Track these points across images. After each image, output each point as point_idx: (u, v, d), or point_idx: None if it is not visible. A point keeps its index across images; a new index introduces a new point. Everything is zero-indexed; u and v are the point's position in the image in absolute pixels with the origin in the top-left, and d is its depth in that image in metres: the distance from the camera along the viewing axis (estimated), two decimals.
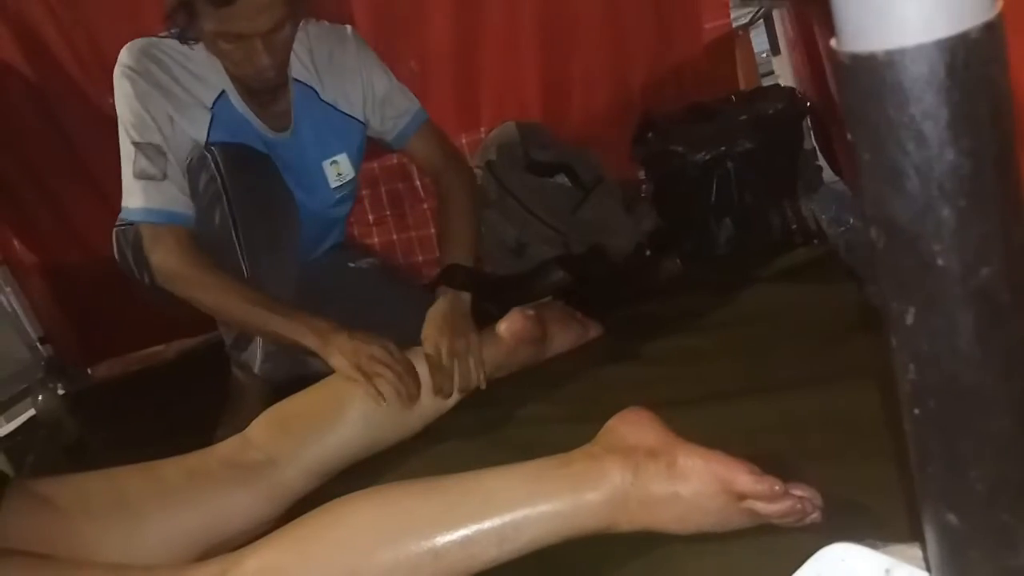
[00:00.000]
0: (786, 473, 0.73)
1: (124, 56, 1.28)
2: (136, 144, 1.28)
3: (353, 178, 1.49)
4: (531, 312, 1.34)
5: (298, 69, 1.37)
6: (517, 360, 1.33)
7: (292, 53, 1.33)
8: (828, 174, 1.81)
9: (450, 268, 1.36)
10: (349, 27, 1.45)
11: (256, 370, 1.41)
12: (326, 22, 1.43)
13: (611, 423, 0.84)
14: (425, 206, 2.06)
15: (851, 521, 0.73)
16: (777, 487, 0.72)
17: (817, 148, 1.82)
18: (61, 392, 2.00)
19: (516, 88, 1.99)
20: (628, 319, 1.50)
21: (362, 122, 1.44)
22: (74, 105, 1.96)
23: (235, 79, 1.31)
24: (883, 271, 0.35)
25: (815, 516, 0.74)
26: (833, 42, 0.34)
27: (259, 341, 1.39)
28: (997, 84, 0.32)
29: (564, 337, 1.40)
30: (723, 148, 1.68)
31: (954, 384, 0.35)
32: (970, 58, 0.31)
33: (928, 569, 0.46)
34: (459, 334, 1.25)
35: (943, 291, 0.33)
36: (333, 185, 1.46)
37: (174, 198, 1.29)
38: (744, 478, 0.72)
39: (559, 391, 1.26)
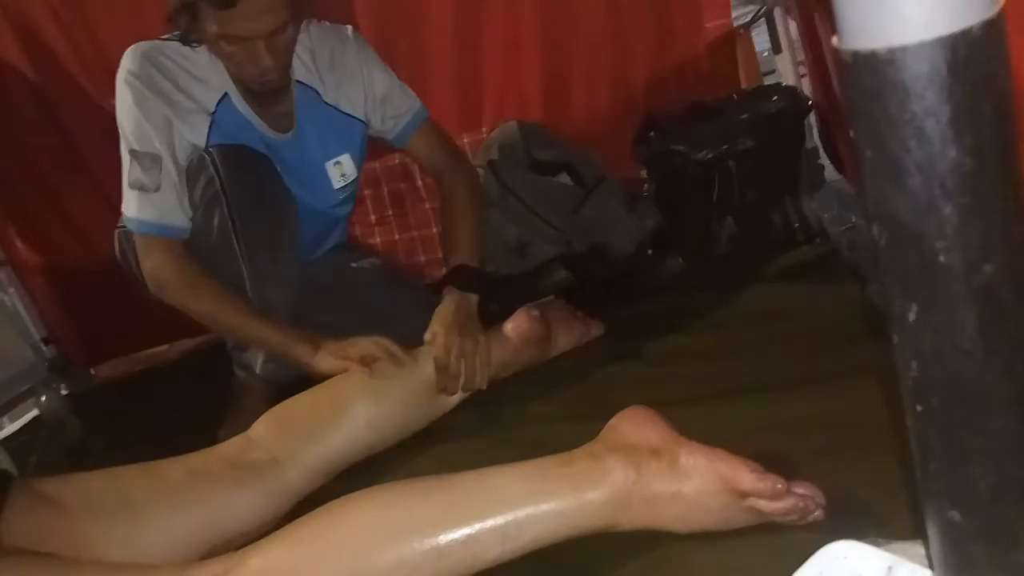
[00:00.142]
0: (788, 471, 0.74)
1: (127, 60, 1.28)
2: (132, 152, 1.28)
3: (356, 178, 1.49)
4: (536, 313, 1.34)
5: (300, 71, 1.37)
6: (521, 360, 1.33)
7: (295, 55, 1.33)
8: (830, 173, 1.81)
9: (457, 269, 1.36)
10: (350, 27, 1.45)
11: (258, 371, 1.42)
12: (327, 23, 1.43)
13: (613, 422, 0.84)
14: (427, 206, 2.06)
15: (853, 519, 0.73)
16: (779, 485, 0.72)
17: (820, 146, 1.82)
18: (64, 392, 2.01)
19: (517, 87, 1.99)
20: (630, 318, 1.50)
21: (363, 122, 1.44)
22: (76, 105, 1.96)
23: (237, 81, 1.31)
24: (885, 269, 0.35)
25: (817, 514, 0.74)
26: (835, 40, 0.34)
27: None
28: (999, 81, 0.32)
29: (566, 336, 1.40)
30: (725, 147, 1.68)
31: (956, 381, 0.35)
32: (972, 55, 0.31)
33: (930, 566, 0.46)
34: (467, 335, 1.25)
35: (945, 288, 0.34)
36: (337, 186, 1.46)
37: (167, 210, 1.29)
38: (747, 476, 0.72)
39: (561, 390, 1.26)
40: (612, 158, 1.86)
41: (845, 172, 1.68)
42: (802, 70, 1.90)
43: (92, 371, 2.20)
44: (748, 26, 2.00)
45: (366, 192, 2.04)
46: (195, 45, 1.29)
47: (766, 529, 0.74)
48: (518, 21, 1.92)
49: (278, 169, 1.36)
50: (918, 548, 0.53)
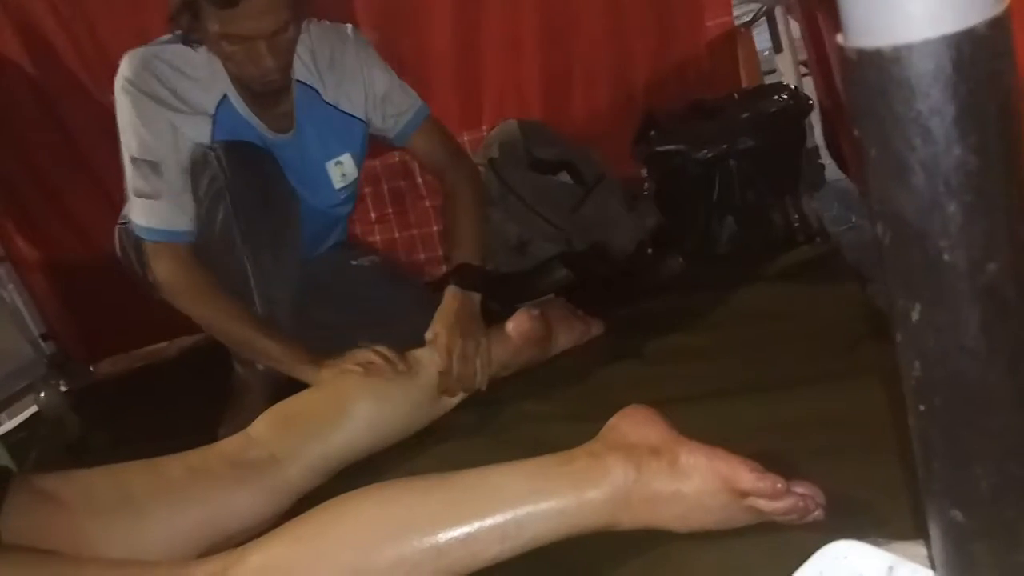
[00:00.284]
0: (788, 471, 0.74)
1: (124, 68, 1.28)
2: (132, 160, 1.28)
3: (357, 178, 1.49)
4: (537, 312, 1.34)
5: (300, 70, 1.37)
6: (522, 360, 1.33)
7: (296, 55, 1.33)
8: (830, 172, 1.81)
9: (460, 267, 1.36)
10: (350, 26, 1.45)
11: (260, 366, 1.41)
12: (327, 22, 1.42)
13: (613, 421, 0.84)
14: (427, 203, 2.06)
15: (853, 519, 0.73)
16: (779, 485, 0.72)
17: (822, 146, 1.82)
18: (63, 389, 2.01)
19: (518, 86, 1.98)
20: (630, 317, 1.50)
21: (364, 121, 1.44)
22: (76, 101, 1.96)
23: (237, 82, 1.31)
24: (889, 267, 0.35)
25: (817, 514, 0.74)
26: (839, 38, 0.34)
27: None
28: (1004, 79, 0.32)
29: (566, 335, 1.40)
30: (725, 146, 1.68)
31: (960, 380, 0.35)
32: (977, 54, 0.31)
33: (932, 567, 0.46)
34: (469, 336, 1.25)
35: (949, 287, 0.33)
36: (337, 185, 1.46)
37: (170, 216, 1.30)
38: (746, 476, 0.72)
39: (561, 389, 1.26)
40: (612, 157, 1.85)
41: (849, 172, 1.68)
42: (803, 69, 1.90)
43: (91, 367, 2.19)
44: (749, 25, 2.00)
45: (366, 190, 2.03)
46: (196, 45, 1.29)
47: (766, 528, 0.74)
48: (518, 19, 1.92)
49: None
50: (919, 548, 0.52)
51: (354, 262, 1.61)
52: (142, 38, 1.35)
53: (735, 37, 1.98)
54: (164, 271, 1.30)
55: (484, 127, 1.98)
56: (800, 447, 0.87)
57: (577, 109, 2.00)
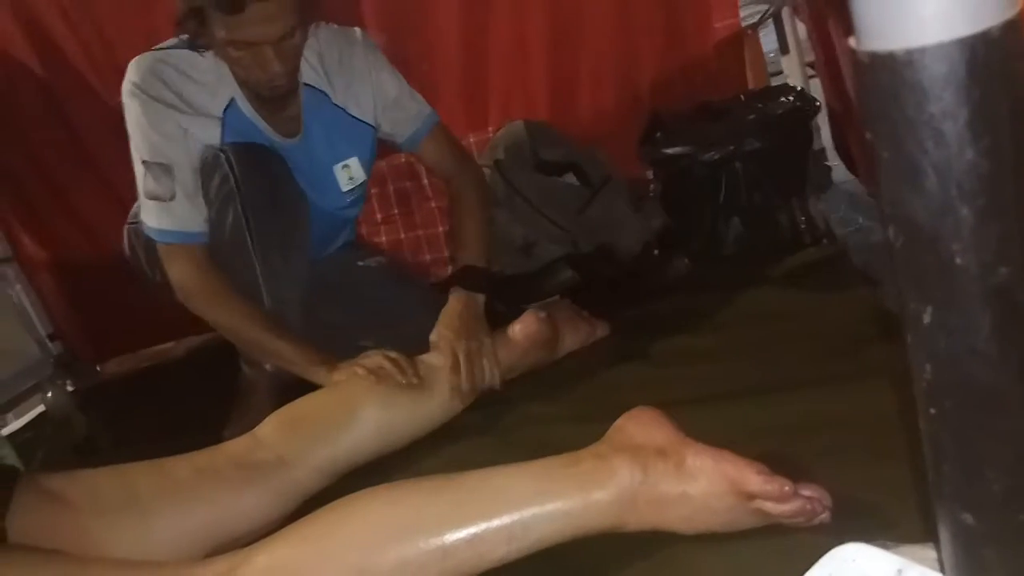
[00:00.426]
0: (795, 473, 0.73)
1: (131, 73, 1.29)
2: (145, 163, 1.29)
3: (364, 181, 1.49)
4: (544, 314, 1.34)
5: (308, 73, 1.37)
6: (529, 362, 1.34)
7: (303, 59, 1.33)
8: (837, 174, 1.81)
9: (464, 269, 1.37)
10: (358, 30, 1.45)
11: (268, 367, 1.42)
12: (335, 25, 1.42)
13: (620, 422, 0.84)
14: (433, 204, 2.06)
15: (861, 521, 0.73)
16: (786, 487, 0.71)
17: (829, 148, 1.81)
18: (70, 388, 2.01)
19: (524, 87, 1.99)
20: (636, 319, 1.50)
21: (373, 126, 1.44)
22: (84, 101, 1.96)
23: (244, 86, 1.31)
24: (901, 270, 0.35)
25: (824, 516, 0.73)
26: (852, 41, 0.34)
27: None
28: (1017, 83, 0.32)
29: (572, 337, 1.40)
30: (732, 147, 1.68)
31: (971, 384, 0.35)
32: (990, 57, 0.31)
33: (941, 570, 0.46)
34: (473, 336, 1.26)
35: (961, 290, 0.33)
36: (344, 188, 1.46)
37: (184, 217, 1.30)
38: (753, 478, 0.72)
39: (567, 390, 1.26)
40: (619, 158, 1.85)
41: (858, 173, 1.68)
42: (810, 71, 1.90)
43: (98, 367, 2.20)
44: (756, 26, 1.99)
45: (372, 191, 2.03)
46: (202, 50, 1.29)
47: (772, 531, 0.74)
48: (525, 20, 1.92)
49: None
50: (928, 551, 0.52)
51: (360, 263, 1.61)
52: (150, 39, 1.35)
53: (742, 39, 1.98)
54: (178, 273, 1.31)
55: (490, 128, 1.98)
56: (807, 449, 0.87)
57: (584, 110, 2.00)
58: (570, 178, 1.77)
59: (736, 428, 0.95)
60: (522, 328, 1.32)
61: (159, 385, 1.97)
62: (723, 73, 1.97)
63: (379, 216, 2.09)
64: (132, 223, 1.43)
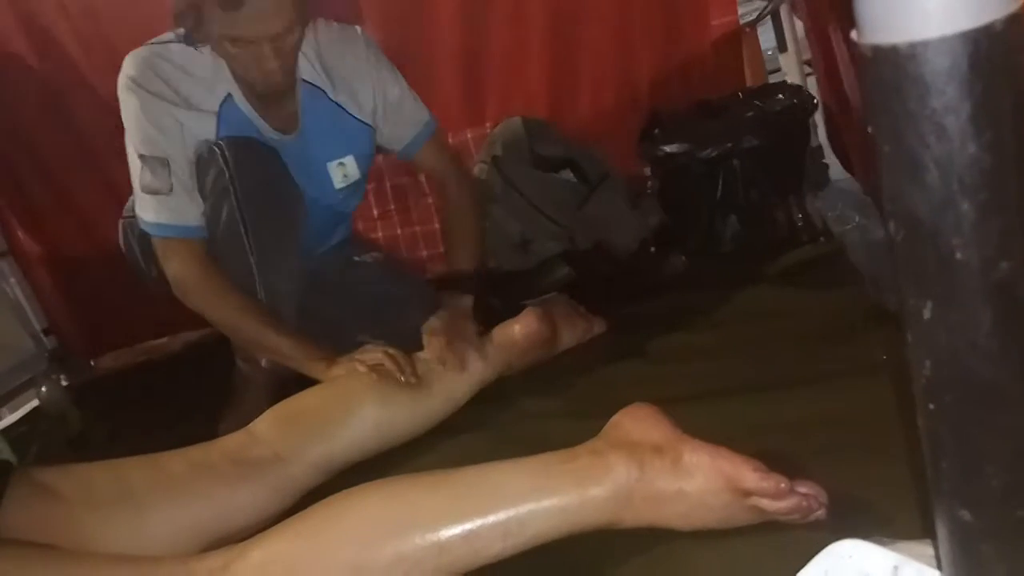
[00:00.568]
0: (791, 470, 0.73)
1: (127, 67, 1.28)
2: (141, 157, 1.28)
3: (358, 179, 1.49)
4: (543, 314, 1.34)
5: (306, 70, 1.37)
6: (527, 360, 1.34)
7: (300, 54, 1.32)
8: (834, 171, 1.81)
9: (454, 273, 1.39)
10: (359, 28, 1.45)
11: (263, 362, 1.41)
12: (335, 23, 1.42)
13: (616, 418, 0.84)
14: (429, 200, 2.06)
15: (856, 518, 0.73)
16: (783, 484, 0.71)
17: (827, 144, 1.82)
18: (65, 383, 2.00)
19: (522, 83, 1.98)
20: (632, 315, 1.50)
21: (371, 126, 1.44)
22: (81, 95, 1.96)
23: (241, 82, 1.30)
24: (901, 265, 0.35)
25: (820, 513, 0.73)
26: (854, 34, 0.33)
27: None
28: (1020, 77, 0.32)
29: (570, 333, 1.40)
30: (729, 145, 1.68)
31: (971, 379, 0.35)
32: (993, 51, 0.31)
33: (938, 566, 0.46)
34: (458, 329, 1.27)
35: (962, 286, 0.33)
36: (338, 186, 1.45)
37: (182, 211, 1.29)
38: (750, 475, 0.72)
39: (564, 387, 1.26)
40: (616, 155, 1.85)
41: (852, 170, 1.68)
42: (807, 68, 1.90)
43: (92, 362, 2.19)
44: (754, 24, 1.99)
45: (369, 186, 2.03)
46: (199, 45, 1.28)
47: (769, 528, 0.74)
48: (524, 17, 1.92)
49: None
50: (924, 548, 0.52)
51: (357, 258, 1.61)
52: (148, 35, 1.35)
53: (740, 36, 1.98)
54: (176, 268, 1.30)
55: (488, 124, 1.98)
56: (803, 446, 0.87)
57: (582, 107, 2.00)
58: (567, 175, 1.77)
59: (732, 425, 0.95)
60: (522, 327, 1.32)
61: (154, 380, 1.97)
62: (721, 71, 1.97)
63: (376, 212, 2.09)
64: (127, 217, 1.43)
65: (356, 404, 1.13)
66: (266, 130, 1.36)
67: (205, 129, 1.30)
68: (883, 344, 1.05)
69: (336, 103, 1.39)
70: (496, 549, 0.76)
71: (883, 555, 0.52)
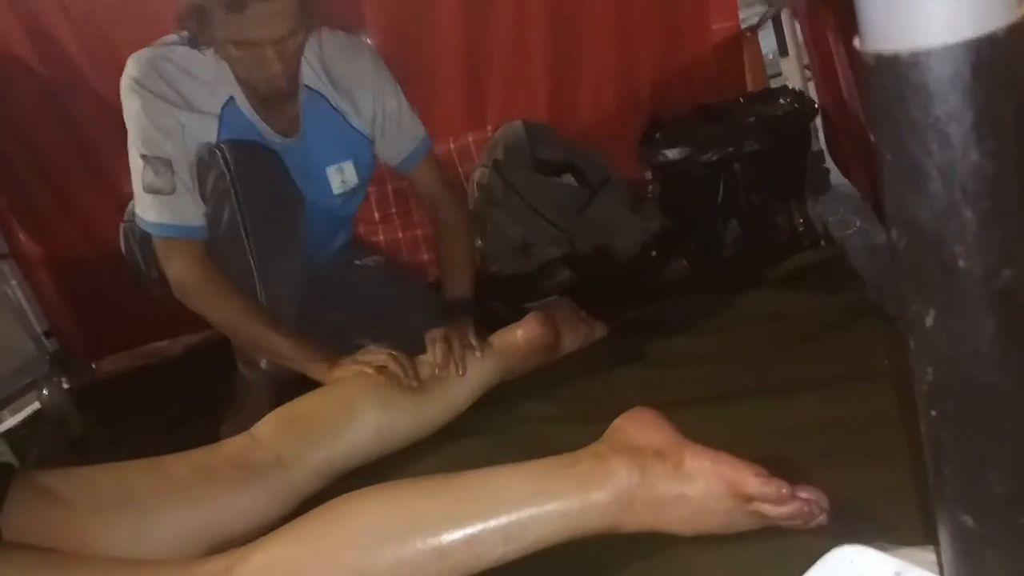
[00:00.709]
0: (793, 475, 0.73)
1: (131, 68, 1.28)
2: (144, 157, 1.28)
3: (357, 185, 1.49)
4: (545, 318, 1.34)
5: (309, 75, 1.37)
6: (530, 365, 1.34)
7: (304, 60, 1.33)
8: (835, 176, 1.81)
9: (453, 303, 1.38)
10: (365, 39, 1.45)
11: (263, 365, 1.41)
12: (341, 32, 1.42)
13: (618, 423, 0.84)
14: None
15: (858, 524, 0.73)
16: (784, 489, 0.71)
17: (825, 150, 1.82)
18: (66, 386, 2.00)
19: (524, 87, 1.99)
20: (634, 320, 1.50)
21: (369, 138, 1.44)
22: (82, 97, 1.96)
23: (244, 85, 1.31)
24: (904, 272, 0.35)
25: (822, 519, 0.73)
26: (857, 42, 0.34)
27: None
28: (1022, 85, 0.32)
29: (571, 337, 1.40)
30: (730, 149, 1.68)
31: (973, 386, 0.35)
32: (995, 59, 0.31)
33: (940, 573, 0.46)
34: (461, 340, 1.26)
35: (964, 293, 0.33)
36: (336, 191, 1.46)
37: (184, 211, 1.29)
38: (751, 480, 0.72)
39: (565, 391, 1.26)
40: (617, 159, 1.85)
41: (850, 176, 1.68)
42: (808, 73, 1.90)
43: (94, 365, 2.19)
44: (755, 28, 2.00)
45: (370, 190, 2.03)
46: (203, 48, 1.29)
47: (770, 533, 0.74)
48: (526, 21, 1.92)
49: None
50: (926, 554, 0.52)
51: (358, 262, 1.61)
52: (150, 36, 1.35)
53: (741, 41, 1.98)
54: (177, 268, 1.30)
55: (489, 128, 1.98)
56: (805, 451, 0.87)
57: (583, 111, 2.00)
58: (569, 179, 1.77)
59: (734, 429, 0.95)
60: (524, 332, 1.32)
61: (155, 383, 1.97)
62: (722, 75, 1.97)
63: (377, 215, 2.09)
64: (128, 221, 1.43)
65: (357, 408, 1.13)
66: (267, 133, 1.36)
67: (206, 131, 1.30)
68: (884, 349, 1.05)
69: (337, 110, 1.40)
70: (497, 554, 0.76)
71: (885, 561, 0.52)
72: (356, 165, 1.45)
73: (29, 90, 1.97)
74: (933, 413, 0.38)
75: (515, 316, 1.36)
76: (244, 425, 1.12)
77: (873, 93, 0.33)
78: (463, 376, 1.22)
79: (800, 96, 1.76)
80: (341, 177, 1.45)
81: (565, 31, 1.93)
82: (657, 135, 1.77)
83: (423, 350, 1.26)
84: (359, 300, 1.52)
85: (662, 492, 0.75)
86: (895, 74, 0.32)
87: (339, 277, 1.55)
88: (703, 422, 0.88)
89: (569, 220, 1.71)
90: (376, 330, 1.39)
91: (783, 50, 1.96)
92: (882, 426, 0.86)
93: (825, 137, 1.80)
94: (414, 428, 1.16)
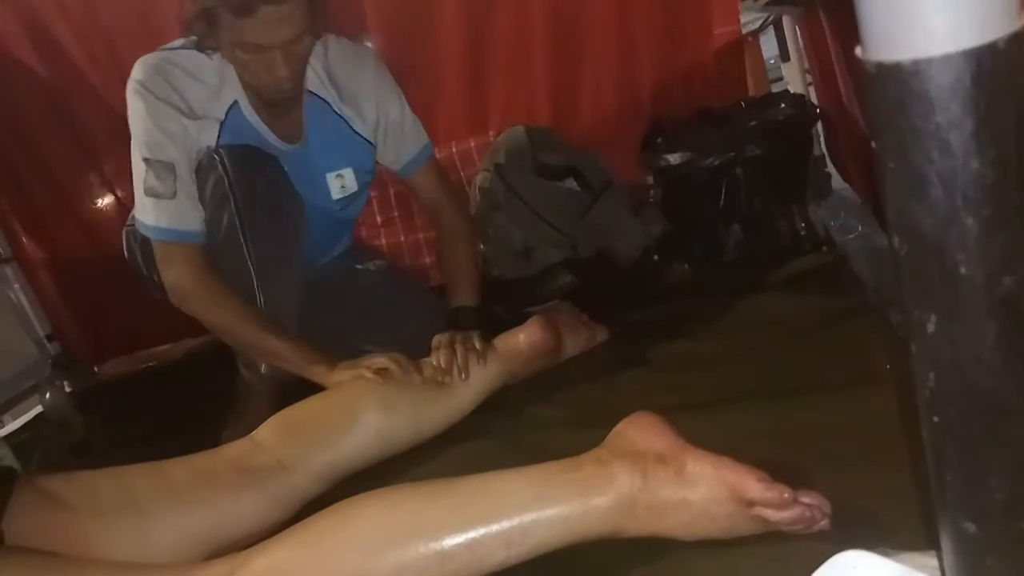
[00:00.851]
0: (795, 480, 0.73)
1: (137, 72, 1.29)
2: (146, 161, 1.28)
3: (356, 191, 1.49)
4: (547, 322, 1.34)
5: (314, 82, 1.38)
6: (532, 369, 1.34)
7: (308, 66, 1.33)
8: (837, 181, 1.81)
9: (458, 311, 1.37)
10: (370, 47, 1.46)
11: (263, 369, 1.42)
12: (346, 39, 1.43)
13: (620, 427, 0.84)
14: None
15: (860, 529, 0.73)
16: (786, 494, 0.71)
17: (827, 155, 1.82)
18: (68, 389, 2.01)
19: (525, 91, 1.99)
20: (635, 324, 1.50)
21: (372, 144, 1.45)
22: (85, 101, 1.97)
23: (249, 89, 1.31)
24: (905, 279, 0.35)
25: (824, 524, 0.73)
26: (858, 50, 0.34)
27: None
28: (1022, 94, 0.32)
29: (573, 342, 1.40)
30: (732, 154, 1.69)
31: (975, 392, 0.35)
32: (996, 68, 0.31)
33: None
34: (464, 345, 1.26)
35: (966, 300, 0.33)
36: (335, 197, 1.46)
37: (184, 216, 1.30)
38: (753, 485, 0.72)
39: (567, 395, 1.26)
40: (619, 163, 1.86)
41: (851, 180, 1.68)
42: (810, 78, 1.91)
43: (96, 369, 2.20)
44: (756, 33, 2.00)
45: (372, 194, 2.03)
46: (210, 52, 1.29)
47: (772, 538, 0.74)
48: (527, 26, 1.93)
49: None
50: (928, 559, 0.52)
51: (359, 266, 1.61)
52: (152, 39, 1.36)
53: (742, 45, 1.98)
54: (175, 273, 1.30)
55: (491, 132, 1.98)
56: (807, 456, 0.87)
57: (585, 116, 2.00)
58: (570, 183, 1.77)
59: (736, 434, 0.95)
60: (526, 336, 1.32)
61: (157, 387, 1.97)
62: (724, 79, 1.97)
63: (379, 219, 2.09)
64: (131, 225, 1.43)
65: (359, 411, 1.13)
66: (271, 138, 1.36)
67: (209, 136, 1.30)
68: (886, 353, 1.05)
69: (341, 116, 1.40)
70: (499, 558, 0.76)
71: (887, 566, 0.52)
72: (356, 171, 1.45)
73: (31, 93, 1.98)
74: (935, 419, 0.38)
75: (517, 320, 1.36)
76: (245, 429, 1.12)
77: (875, 101, 0.33)
78: (464, 379, 1.23)
79: (801, 101, 1.76)
80: (340, 183, 1.45)
81: (567, 36, 1.93)
82: (659, 139, 1.77)
83: (426, 354, 1.26)
84: (361, 304, 1.52)
85: (664, 497, 0.75)
86: (897, 82, 0.32)
87: (341, 282, 1.56)
88: (705, 426, 0.88)
89: (571, 224, 1.71)
90: (378, 335, 1.39)
91: (784, 55, 1.96)
92: (884, 431, 0.86)
93: (826, 142, 1.80)
94: (416, 431, 1.16)
